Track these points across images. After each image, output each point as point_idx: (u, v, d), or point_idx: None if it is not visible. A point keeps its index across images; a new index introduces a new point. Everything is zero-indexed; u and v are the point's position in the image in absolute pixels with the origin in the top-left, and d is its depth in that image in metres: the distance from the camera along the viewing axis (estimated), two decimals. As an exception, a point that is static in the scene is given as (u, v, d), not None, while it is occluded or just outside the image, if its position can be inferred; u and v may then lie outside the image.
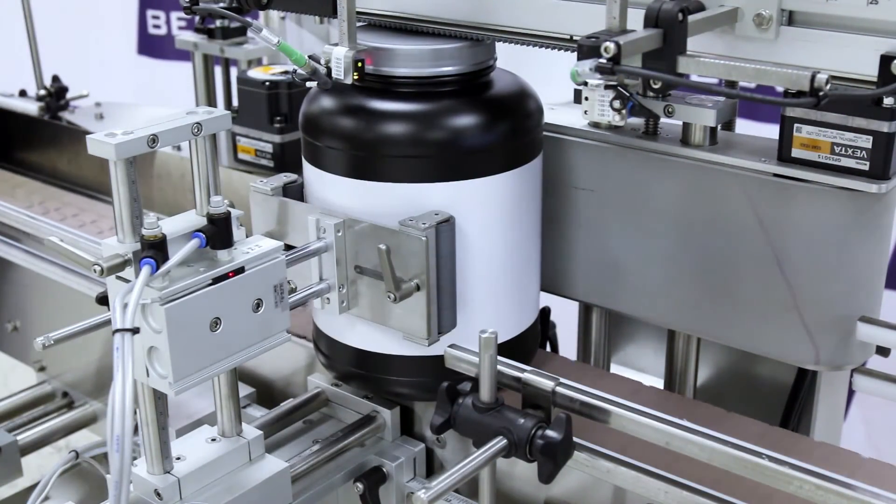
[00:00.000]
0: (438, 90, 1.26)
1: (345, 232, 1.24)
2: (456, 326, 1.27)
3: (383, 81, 1.26)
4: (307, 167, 1.33)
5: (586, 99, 1.01)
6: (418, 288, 1.20)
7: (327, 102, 1.28)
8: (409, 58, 1.26)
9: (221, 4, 1.38)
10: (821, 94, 0.95)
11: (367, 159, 1.25)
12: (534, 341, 1.43)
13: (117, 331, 0.97)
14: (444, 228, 1.21)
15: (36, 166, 2.52)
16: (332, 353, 1.36)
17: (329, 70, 1.23)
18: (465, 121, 1.24)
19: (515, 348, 1.33)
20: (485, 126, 1.25)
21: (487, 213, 1.28)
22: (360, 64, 1.22)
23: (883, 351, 1.30)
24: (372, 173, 1.25)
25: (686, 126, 1.32)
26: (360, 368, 1.33)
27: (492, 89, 1.30)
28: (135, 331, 0.98)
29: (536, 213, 1.36)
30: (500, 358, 1.11)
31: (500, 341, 1.10)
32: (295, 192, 1.32)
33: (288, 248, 1.18)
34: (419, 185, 1.24)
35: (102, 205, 2.31)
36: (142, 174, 1.22)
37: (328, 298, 1.27)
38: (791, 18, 1.08)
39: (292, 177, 1.33)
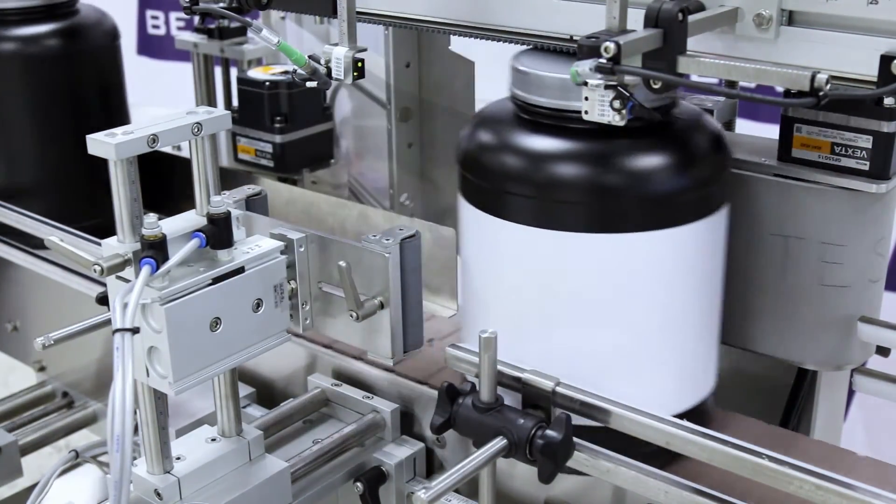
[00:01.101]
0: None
1: (307, 247, 1.21)
2: (595, 383, 1.12)
3: (555, 116, 1.14)
4: (466, 206, 1.21)
5: (586, 99, 1.01)
6: (382, 306, 1.18)
7: (491, 137, 1.18)
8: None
9: (221, 4, 1.38)
10: (821, 94, 0.95)
11: (537, 204, 1.13)
12: (712, 409, 1.28)
13: (117, 331, 0.97)
14: (409, 244, 1.17)
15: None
16: None
17: (329, 70, 1.22)
18: (650, 162, 1.12)
19: (695, 418, 1.15)
20: (675, 169, 1.12)
21: (679, 266, 1.15)
22: (360, 64, 1.21)
23: (883, 351, 1.31)
24: (542, 220, 1.13)
25: (686, 126, 1.32)
26: None
27: (674, 126, 1.17)
28: (135, 331, 0.98)
29: (722, 266, 1.24)
30: (499, 358, 1.12)
31: (677, 411, 1.07)
32: (259, 205, 1.27)
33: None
34: (589, 236, 1.12)
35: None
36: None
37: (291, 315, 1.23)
38: (791, 18, 1.08)
39: (256, 189, 1.28)
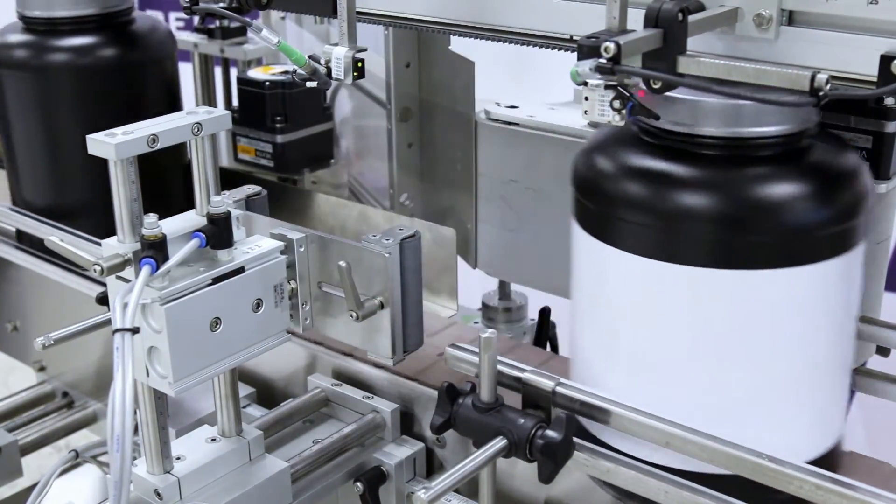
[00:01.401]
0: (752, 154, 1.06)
1: (307, 247, 1.20)
2: (720, 427, 1.03)
3: (682, 140, 1.07)
4: (580, 234, 1.14)
5: (586, 99, 1.01)
6: (382, 306, 1.18)
7: (611, 160, 1.11)
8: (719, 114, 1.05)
9: (221, 4, 1.38)
10: (821, 94, 0.95)
11: (660, 235, 1.06)
12: (839, 454, 1.18)
13: (117, 331, 0.97)
14: (409, 244, 1.17)
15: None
16: None
17: (329, 70, 1.22)
18: (787, 191, 1.03)
19: (826, 464, 1.09)
20: (815, 199, 1.04)
21: (816, 305, 1.07)
22: (360, 64, 1.21)
23: (883, 351, 1.30)
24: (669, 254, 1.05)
25: (686, 126, 1.32)
26: None
27: (813, 152, 1.09)
28: (135, 331, 0.98)
29: (858, 301, 1.14)
30: (500, 358, 1.12)
31: (809, 457, 1.00)
32: (259, 205, 1.27)
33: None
34: (719, 272, 1.04)
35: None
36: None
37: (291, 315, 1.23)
38: (791, 18, 1.08)
39: (256, 189, 1.27)
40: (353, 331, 1.22)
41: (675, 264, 1.04)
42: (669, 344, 1.09)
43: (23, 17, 1.81)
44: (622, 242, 1.07)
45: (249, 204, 1.26)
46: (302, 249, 1.20)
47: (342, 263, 1.15)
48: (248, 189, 1.27)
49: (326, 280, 1.21)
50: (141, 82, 1.84)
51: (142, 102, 1.84)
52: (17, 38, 1.80)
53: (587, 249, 1.13)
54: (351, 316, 1.17)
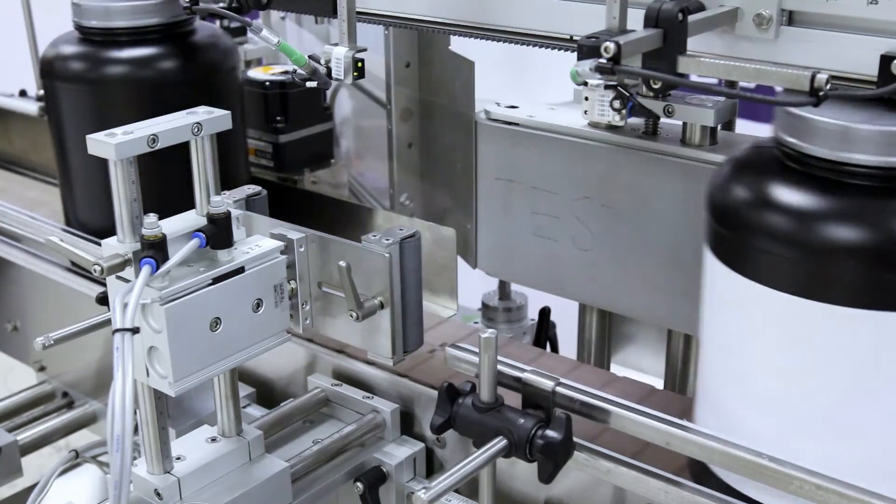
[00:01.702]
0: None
1: (307, 248, 1.20)
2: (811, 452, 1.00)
3: (832, 169, 1.00)
4: (715, 263, 1.07)
5: (586, 99, 1.01)
6: (382, 306, 1.18)
7: (751, 187, 1.04)
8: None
9: (221, 4, 1.38)
10: (821, 94, 0.95)
11: (805, 271, 0.98)
12: None
13: (117, 331, 0.97)
14: (409, 244, 1.17)
15: (36, 166, 2.51)
16: None
17: (329, 70, 1.22)
18: None
19: None
20: None
21: None
22: (360, 64, 1.21)
23: (883, 351, 1.30)
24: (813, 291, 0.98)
25: (686, 126, 1.32)
26: None
27: None
28: (135, 331, 0.98)
29: None
30: (500, 358, 1.12)
31: None
32: (258, 205, 1.26)
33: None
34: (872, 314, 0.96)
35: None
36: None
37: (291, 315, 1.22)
38: (791, 18, 1.08)
39: (256, 189, 1.27)
40: (353, 331, 1.21)
41: (820, 302, 0.96)
42: (810, 386, 1.02)
43: (79, 27, 1.71)
44: (763, 276, 1.00)
45: (249, 204, 1.26)
46: (302, 249, 1.20)
47: (342, 263, 1.15)
48: (248, 189, 1.27)
49: (326, 280, 1.21)
50: (204, 96, 1.67)
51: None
52: (74, 49, 1.71)
53: (723, 282, 1.06)
54: (351, 316, 1.17)
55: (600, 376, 1.47)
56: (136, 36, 1.68)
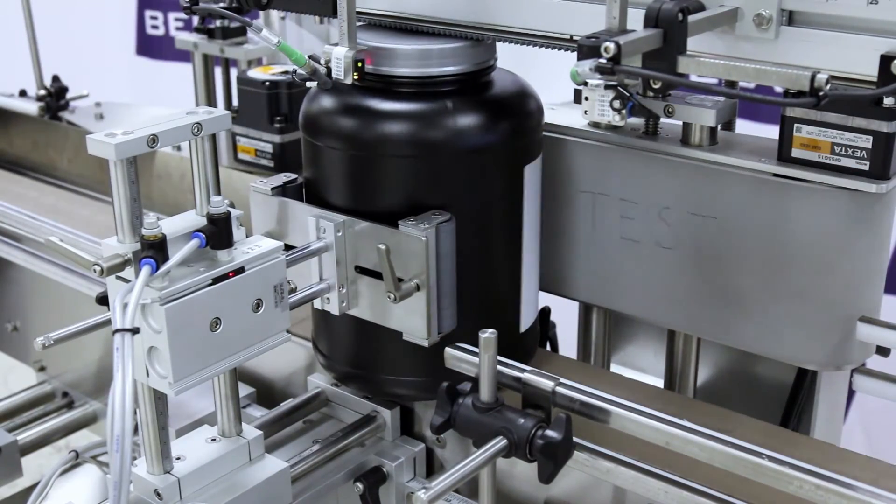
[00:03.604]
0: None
1: (344, 232, 1.24)
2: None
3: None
4: None
5: (586, 99, 1.01)
6: (418, 288, 1.20)
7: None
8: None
9: (221, 4, 1.38)
10: (821, 94, 0.95)
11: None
12: None
13: (117, 331, 0.97)
14: (445, 228, 1.21)
15: (36, 166, 2.52)
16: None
17: (329, 70, 1.22)
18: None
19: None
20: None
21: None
22: (360, 64, 1.21)
23: (883, 351, 1.30)
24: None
25: (686, 126, 1.32)
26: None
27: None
28: (135, 331, 0.98)
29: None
30: (500, 358, 1.12)
31: None
32: (295, 191, 1.32)
33: (288, 247, 1.18)
34: None
35: (102, 204, 2.30)
36: (142, 174, 1.10)
37: (328, 298, 1.27)
38: (791, 18, 1.08)
39: (292, 176, 1.32)
40: (389, 312, 1.24)
41: None
42: None
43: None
44: None
45: (286, 190, 1.30)
46: (340, 234, 1.23)
47: (382, 246, 1.18)
48: (285, 177, 1.32)
49: (363, 263, 1.24)
50: (501, 161, 1.29)
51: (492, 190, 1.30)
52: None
53: None
54: (389, 297, 1.20)
55: (600, 376, 1.47)
56: (420, 87, 1.27)
